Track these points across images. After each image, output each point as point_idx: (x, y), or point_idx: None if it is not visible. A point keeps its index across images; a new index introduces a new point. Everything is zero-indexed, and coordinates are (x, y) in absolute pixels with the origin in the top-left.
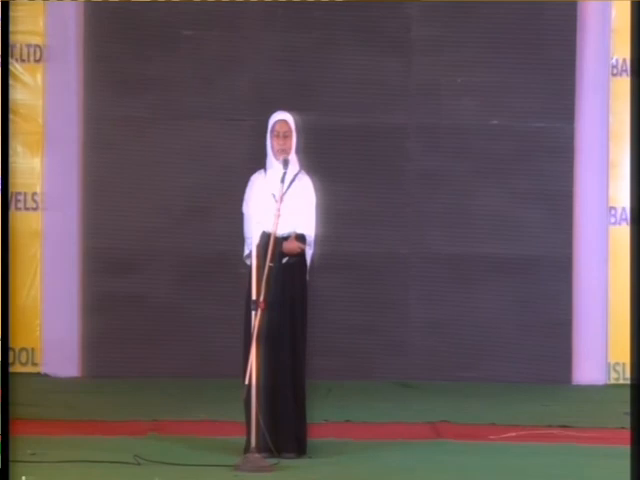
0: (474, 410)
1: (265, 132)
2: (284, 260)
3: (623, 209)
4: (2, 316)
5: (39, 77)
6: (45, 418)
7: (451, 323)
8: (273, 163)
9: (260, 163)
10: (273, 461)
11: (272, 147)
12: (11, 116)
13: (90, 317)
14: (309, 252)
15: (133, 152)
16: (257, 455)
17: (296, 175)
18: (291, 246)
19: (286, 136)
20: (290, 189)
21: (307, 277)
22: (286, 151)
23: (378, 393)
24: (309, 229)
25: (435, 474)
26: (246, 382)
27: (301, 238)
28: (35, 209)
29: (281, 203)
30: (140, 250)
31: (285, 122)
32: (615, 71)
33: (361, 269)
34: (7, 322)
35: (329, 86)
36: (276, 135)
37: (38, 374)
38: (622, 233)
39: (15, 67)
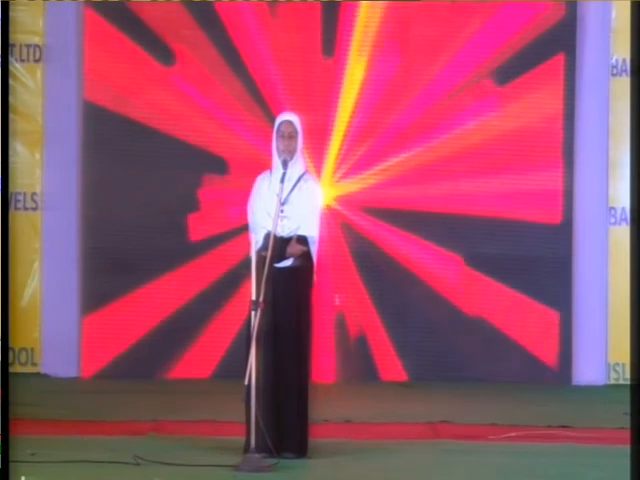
0: (474, 410)
1: (265, 132)
2: (289, 262)
3: (623, 209)
4: (2, 316)
5: (39, 77)
6: (45, 418)
7: (450, 323)
8: (278, 164)
9: (260, 163)
10: (273, 461)
11: (277, 148)
12: (11, 116)
13: (90, 317)
14: (313, 254)
15: (133, 152)
16: (257, 455)
17: (301, 176)
18: (293, 250)
19: (291, 137)
20: (295, 190)
21: (313, 278)
22: (291, 152)
23: (378, 393)
24: (312, 230)
25: (435, 474)
26: (246, 382)
27: (303, 240)
28: (35, 209)
29: (283, 204)
30: (140, 250)
31: (290, 123)
32: (615, 71)
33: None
34: (7, 322)
35: (329, 86)
36: (281, 136)
37: (38, 374)
38: (622, 233)
39: (15, 67)
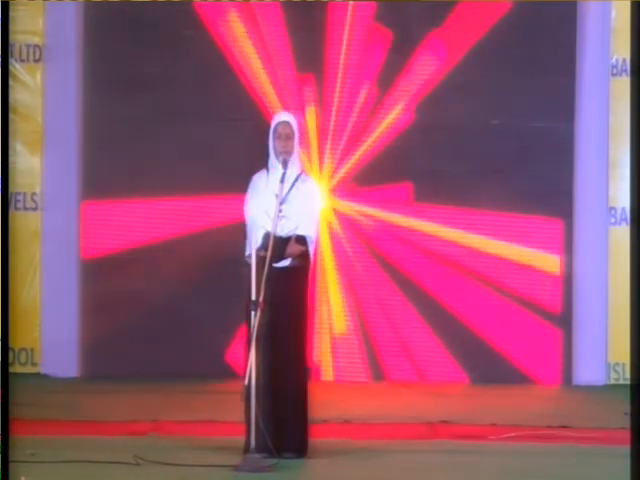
0: (474, 410)
1: (265, 132)
2: (287, 262)
3: (623, 209)
4: (2, 316)
5: (39, 77)
6: (45, 418)
7: (450, 323)
8: (275, 164)
9: (260, 163)
10: (273, 461)
11: (274, 148)
12: (11, 116)
13: (90, 317)
14: (311, 254)
15: (133, 152)
16: (257, 455)
17: (299, 176)
18: (292, 250)
19: (288, 138)
20: (293, 190)
21: (309, 278)
22: (288, 152)
23: (378, 393)
24: (310, 230)
25: (435, 474)
26: (245, 382)
27: (302, 240)
28: (35, 209)
29: (281, 204)
30: (140, 250)
31: (287, 124)
32: (615, 71)
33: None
34: (7, 322)
35: (329, 86)
36: (278, 137)
37: (38, 374)
38: (622, 233)
39: (15, 67)
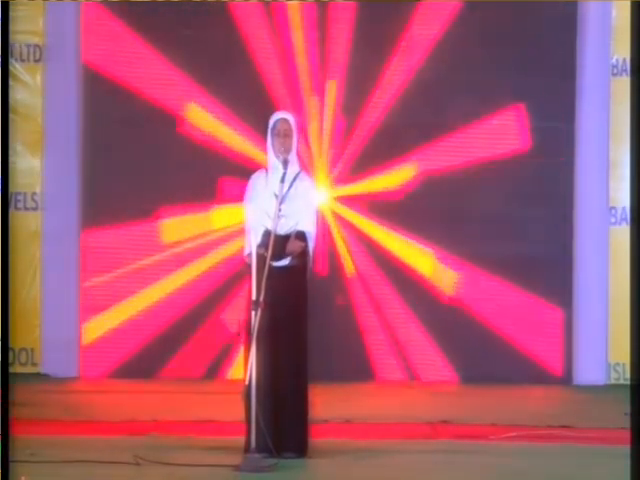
0: (474, 410)
1: (266, 132)
2: (286, 261)
3: (623, 209)
4: (2, 316)
5: (38, 77)
6: (45, 418)
7: (451, 323)
8: (274, 163)
9: (259, 163)
10: (273, 461)
11: (273, 146)
12: (11, 116)
13: (90, 317)
14: (311, 251)
15: (132, 152)
16: (257, 455)
17: (297, 175)
18: (293, 247)
19: (287, 135)
20: (292, 189)
21: (308, 277)
22: (287, 150)
23: (378, 393)
24: (309, 227)
25: (435, 474)
26: (246, 382)
27: (301, 236)
28: (35, 209)
29: (282, 203)
30: (139, 250)
31: (286, 121)
32: (615, 71)
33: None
34: (7, 322)
35: (330, 86)
36: (277, 134)
37: (38, 374)
38: (622, 233)
39: (15, 67)
